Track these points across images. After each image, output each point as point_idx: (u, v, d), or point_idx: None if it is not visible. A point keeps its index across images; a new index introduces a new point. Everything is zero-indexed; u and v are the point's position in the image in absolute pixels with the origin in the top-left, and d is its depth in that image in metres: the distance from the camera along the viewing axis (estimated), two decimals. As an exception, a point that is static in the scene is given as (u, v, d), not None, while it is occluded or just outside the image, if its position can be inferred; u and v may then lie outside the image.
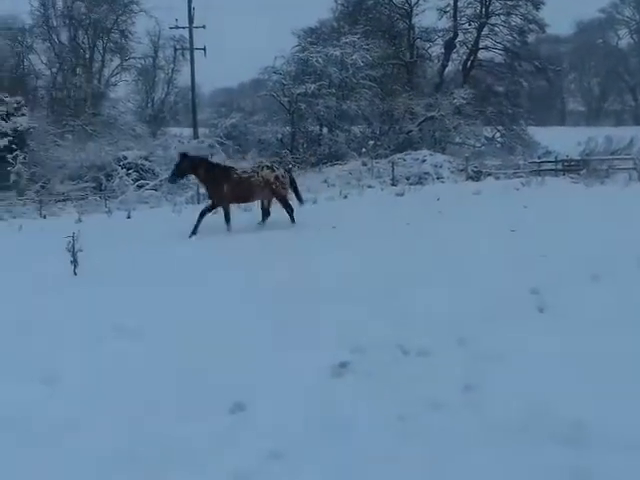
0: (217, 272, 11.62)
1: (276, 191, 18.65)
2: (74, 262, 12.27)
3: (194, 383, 6.23)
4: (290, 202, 18.94)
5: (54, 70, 57.16)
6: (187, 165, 18.65)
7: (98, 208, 32.94)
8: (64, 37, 57.53)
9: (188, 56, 52.04)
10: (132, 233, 18.24)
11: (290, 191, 19.16)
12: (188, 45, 51.60)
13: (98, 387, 6.28)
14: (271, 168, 18.99)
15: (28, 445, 5.22)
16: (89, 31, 56.94)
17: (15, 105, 37.71)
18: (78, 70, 56.28)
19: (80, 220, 24.03)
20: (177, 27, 52.19)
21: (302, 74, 44.93)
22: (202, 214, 18.08)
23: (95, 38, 57.48)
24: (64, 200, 36.10)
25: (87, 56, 57.97)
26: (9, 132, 36.88)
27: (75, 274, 12.09)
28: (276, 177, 18.70)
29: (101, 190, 37.68)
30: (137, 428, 5.39)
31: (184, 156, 19.16)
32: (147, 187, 37.93)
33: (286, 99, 44.80)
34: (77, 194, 36.92)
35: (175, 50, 58.45)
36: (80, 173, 38.88)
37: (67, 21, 56.72)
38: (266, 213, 18.95)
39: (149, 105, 63.55)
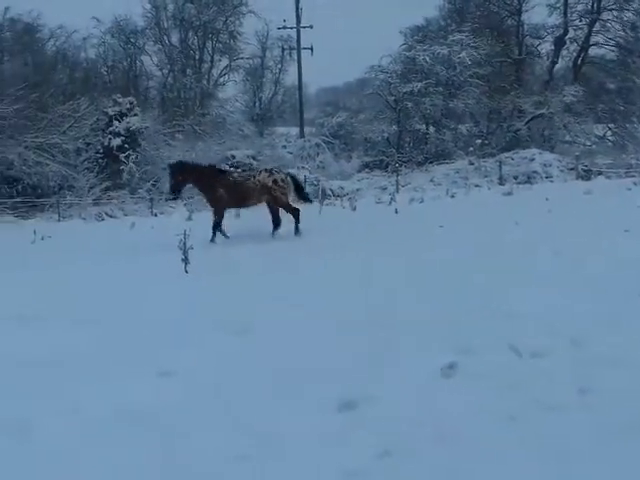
0: (319, 270, 11.67)
1: (276, 197, 17.84)
2: (185, 260, 12.47)
3: (302, 381, 6.24)
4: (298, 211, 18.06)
5: (165, 71, 58.50)
6: (180, 175, 17.78)
7: (206, 206, 33.38)
8: (175, 39, 58.84)
9: (295, 56, 52.64)
10: (241, 231, 18.46)
11: (295, 199, 18.37)
12: (295, 45, 52.09)
13: (212, 383, 6.37)
14: (269, 172, 18.25)
15: (153, 439, 5.30)
16: (199, 32, 57.99)
17: (128, 105, 38.68)
18: (188, 71, 57.42)
19: (190, 218, 24.44)
20: (285, 27, 52.85)
21: (408, 72, 44.79)
22: (214, 227, 17.57)
23: (204, 39, 58.50)
24: (174, 198, 36.74)
25: (197, 57, 59.08)
26: (122, 132, 37.85)
27: (186, 272, 12.28)
28: (274, 181, 17.87)
29: (210, 189, 38.22)
30: (248, 425, 5.44)
31: (173, 166, 18.46)
32: (254, 186, 38.28)
33: (392, 98, 44.74)
34: (187, 193, 37.51)
35: (282, 50, 59.06)
36: (190, 172, 39.54)
37: (178, 23, 57.93)
38: (276, 222, 18.09)
39: (256, 105, 64.26)
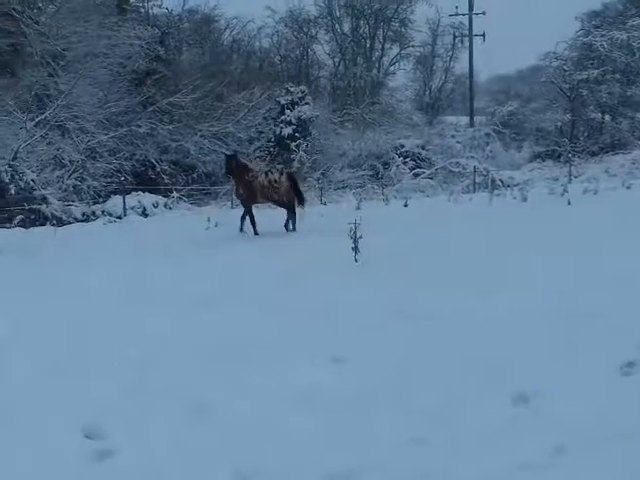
0: (496, 258, 11.50)
1: (272, 197, 18.44)
2: (355, 249, 12.57)
3: (477, 370, 6.25)
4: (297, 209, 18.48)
5: (336, 60, 59.10)
6: (228, 165, 19.00)
7: (375, 196, 33.66)
8: (346, 27, 59.34)
9: (467, 43, 51.85)
10: (410, 221, 18.41)
11: (291, 199, 18.45)
12: (467, 32, 51.37)
13: (382, 370, 6.44)
14: (266, 173, 18.59)
15: (327, 420, 5.46)
16: (370, 21, 58.26)
17: (300, 94, 39.30)
18: (358, 59, 57.80)
19: (359, 207, 24.62)
20: (457, 14, 52.16)
21: (584, 59, 43.47)
22: (242, 217, 18.50)
23: (376, 27, 58.73)
24: (343, 187, 37.21)
25: (367, 45, 59.40)
26: (293, 121, 38.52)
27: (356, 260, 12.39)
28: (269, 182, 18.25)
29: (378, 178, 38.44)
30: (423, 411, 5.49)
31: (228, 157, 19.62)
32: (423, 176, 38.27)
33: (566, 86, 43.52)
34: (355, 182, 37.90)
35: (454, 37, 58.34)
36: (358, 161, 39.86)
37: (350, 11, 58.38)
38: (290, 218, 18.54)
39: (426, 93, 63.95)
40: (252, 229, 18.24)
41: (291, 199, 18.44)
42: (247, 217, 18.40)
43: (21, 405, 5.87)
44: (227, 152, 21.98)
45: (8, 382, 6.43)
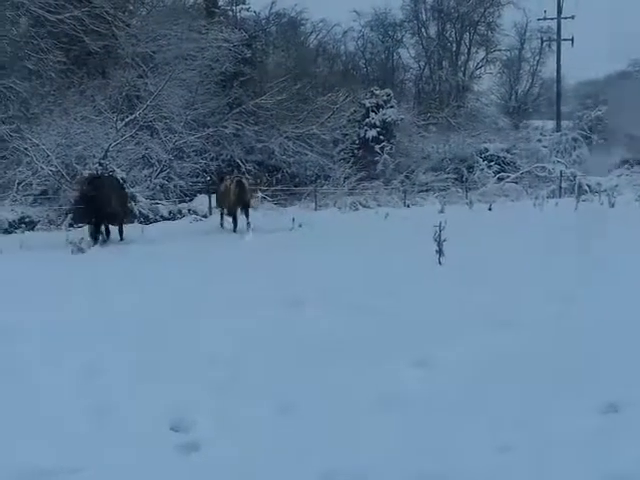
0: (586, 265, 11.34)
1: (227, 200, 21.49)
2: (439, 252, 12.54)
3: (563, 379, 6.17)
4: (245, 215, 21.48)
5: (421, 63, 58.88)
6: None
7: (459, 199, 33.47)
8: (432, 31, 59.09)
9: (554, 47, 51.11)
10: (494, 225, 18.27)
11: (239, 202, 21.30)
12: (555, 36, 50.63)
13: (466, 375, 6.41)
14: (224, 181, 22.04)
15: (411, 423, 5.47)
16: (457, 24, 57.90)
17: (385, 97, 39.27)
18: (444, 63, 57.46)
19: (442, 211, 24.52)
20: (545, 18, 51.44)
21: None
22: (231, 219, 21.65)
23: (462, 31, 58.33)
24: (426, 190, 37.04)
25: (453, 49, 59.01)
26: (378, 123, 38.50)
27: (440, 263, 12.36)
28: (225, 187, 21.51)
29: (462, 182, 38.16)
30: (508, 418, 5.45)
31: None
32: (508, 180, 37.85)
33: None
34: (439, 185, 37.69)
35: (542, 41, 57.54)
36: (442, 164, 39.64)
37: (436, 15, 58.10)
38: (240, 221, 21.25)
39: (512, 97, 63.21)
40: (219, 221, 22.11)
41: (240, 203, 21.35)
42: (230, 217, 21.40)
43: (115, 399, 6.02)
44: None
45: (103, 377, 6.60)
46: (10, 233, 20.34)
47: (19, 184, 22.52)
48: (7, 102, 24.97)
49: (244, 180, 22.36)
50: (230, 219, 21.45)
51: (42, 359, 7.08)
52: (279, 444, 5.15)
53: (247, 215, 21.51)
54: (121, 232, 18.89)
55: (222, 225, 21.96)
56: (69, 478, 4.72)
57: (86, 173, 21.26)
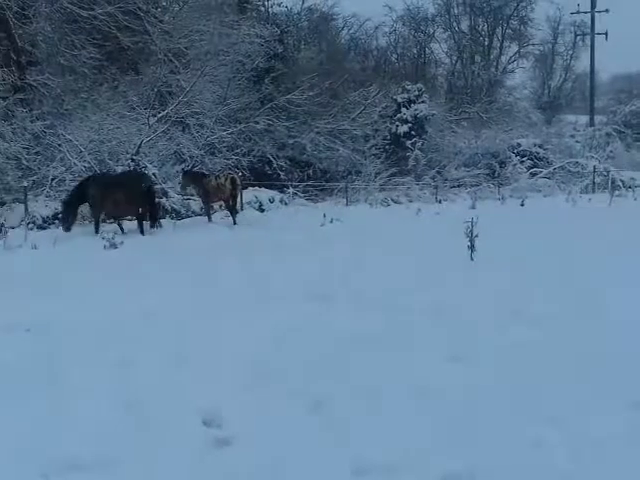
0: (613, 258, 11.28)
1: (219, 195, 22.36)
2: (471, 247, 12.51)
3: (595, 375, 6.18)
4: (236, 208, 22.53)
5: (453, 58, 58.66)
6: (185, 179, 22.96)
7: (491, 195, 33.31)
8: (464, 25, 58.88)
9: (588, 41, 50.72)
10: (526, 220, 18.14)
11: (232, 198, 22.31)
12: (589, 30, 50.22)
13: (499, 371, 6.40)
14: (216, 177, 22.43)
15: (445, 419, 5.48)
16: (489, 19, 57.64)
17: (416, 92, 39.05)
18: (476, 58, 57.19)
19: (474, 207, 24.42)
20: (578, 12, 51.03)
21: None
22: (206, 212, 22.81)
23: (494, 25, 58.07)
24: (458, 186, 36.85)
25: (485, 44, 58.75)
26: (409, 119, 38.31)
27: (472, 259, 12.33)
28: (217, 184, 22.10)
29: (494, 177, 37.94)
30: (535, 411, 5.43)
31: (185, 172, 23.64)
32: (540, 175, 37.60)
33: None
34: (471, 180, 37.48)
35: (575, 35, 57.26)
36: (474, 160, 39.42)
37: (468, 9, 57.88)
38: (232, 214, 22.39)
39: (545, 92, 62.79)
40: (207, 218, 22.41)
41: (232, 199, 22.31)
42: (207, 209, 22.63)
43: (148, 395, 6.08)
44: (185, 169, 25.09)
45: (136, 372, 6.66)
46: (44, 229, 20.47)
47: (53, 180, 22.62)
48: (41, 98, 25.13)
49: (236, 176, 23.11)
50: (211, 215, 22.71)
51: (77, 355, 7.15)
52: (311, 440, 5.17)
53: (235, 207, 22.57)
54: (141, 227, 19.21)
55: (210, 219, 22.54)
56: (105, 471, 4.77)
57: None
